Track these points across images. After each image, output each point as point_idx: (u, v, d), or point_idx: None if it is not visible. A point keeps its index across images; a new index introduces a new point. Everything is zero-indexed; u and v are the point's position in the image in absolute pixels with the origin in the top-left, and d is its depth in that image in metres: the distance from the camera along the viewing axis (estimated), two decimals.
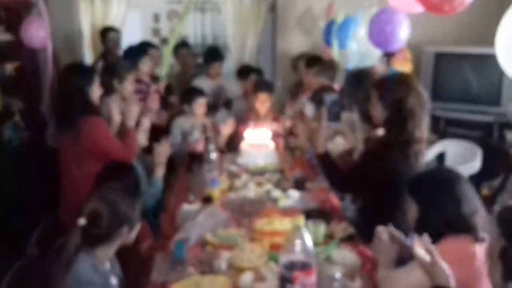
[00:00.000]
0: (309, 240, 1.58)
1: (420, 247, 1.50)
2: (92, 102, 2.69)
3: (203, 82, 4.36)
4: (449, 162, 4.41)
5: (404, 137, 2.24)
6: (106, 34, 4.73)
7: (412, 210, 1.80)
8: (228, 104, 4.42)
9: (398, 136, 2.25)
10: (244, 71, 4.44)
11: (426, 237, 1.49)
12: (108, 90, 3.00)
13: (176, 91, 4.34)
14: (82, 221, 1.73)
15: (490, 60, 4.41)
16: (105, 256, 1.85)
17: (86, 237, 1.74)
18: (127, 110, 2.82)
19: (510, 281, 1.17)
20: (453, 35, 4.73)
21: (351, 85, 3.07)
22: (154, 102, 3.00)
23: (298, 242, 1.56)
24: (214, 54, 4.59)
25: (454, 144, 4.45)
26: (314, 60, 4.04)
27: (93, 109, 2.69)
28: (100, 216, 1.76)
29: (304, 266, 1.55)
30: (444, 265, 1.43)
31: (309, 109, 3.40)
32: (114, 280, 1.88)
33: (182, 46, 4.99)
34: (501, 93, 4.44)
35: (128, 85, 3.26)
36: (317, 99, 3.29)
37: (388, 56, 3.85)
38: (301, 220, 1.60)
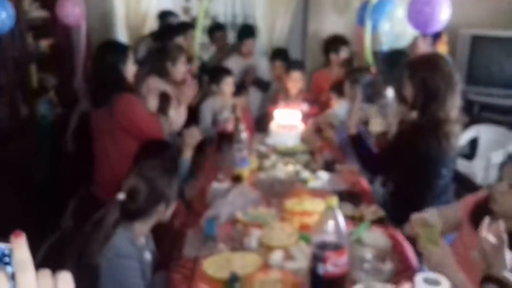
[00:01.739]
0: (342, 221, 1.58)
1: (487, 232, 1.42)
2: (127, 79, 2.73)
3: (234, 61, 4.38)
4: (482, 147, 4.33)
5: (429, 118, 2.21)
6: (165, 17, 4.73)
7: None
8: (257, 83, 4.41)
9: (422, 116, 2.23)
10: (273, 54, 4.42)
11: (501, 223, 1.41)
12: (161, 72, 3.03)
13: None
14: (121, 196, 1.78)
15: None
16: (142, 231, 1.89)
17: (125, 212, 1.79)
18: (182, 92, 2.84)
19: None
20: (489, 18, 4.58)
21: (387, 65, 3.03)
22: (190, 90, 3.02)
23: (331, 222, 1.56)
24: (247, 31, 4.57)
25: (487, 130, 4.36)
26: (339, 41, 4.00)
27: (127, 87, 2.72)
28: (138, 192, 1.81)
29: (337, 247, 1.56)
30: (508, 257, 1.37)
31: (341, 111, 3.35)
32: (148, 255, 1.93)
33: (217, 28, 5.00)
34: None
35: (181, 67, 3.25)
36: (352, 78, 3.25)
37: (434, 37, 3.74)
38: (334, 200, 1.60)
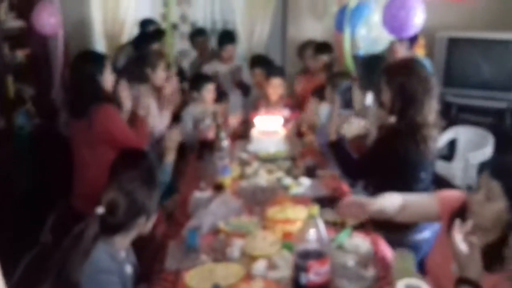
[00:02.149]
0: (323, 229, 1.59)
1: (459, 234, 1.43)
2: (104, 89, 2.70)
3: (215, 66, 4.38)
4: (461, 148, 4.39)
5: (407, 122, 2.23)
6: (145, 26, 4.70)
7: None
8: (240, 85, 4.40)
9: (400, 121, 2.25)
10: (252, 62, 4.43)
11: (469, 224, 1.43)
12: (141, 79, 3.02)
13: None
14: (100, 210, 1.75)
15: (503, 46, 4.41)
16: (122, 245, 1.86)
17: (104, 226, 1.75)
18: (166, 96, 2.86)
19: None
20: (466, 20, 4.66)
21: (366, 70, 3.06)
22: (174, 96, 3.04)
23: (312, 231, 1.56)
24: (227, 36, 4.58)
25: (465, 131, 4.42)
26: (323, 47, 4.02)
27: (105, 96, 2.69)
28: (117, 206, 1.78)
29: (319, 255, 1.56)
30: (478, 258, 1.38)
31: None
32: (129, 269, 1.90)
33: (199, 33, 4.99)
34: None
35: (160, 73, 3.26)
36: (333, 83, 3.27)
37: (411, 41, 3.79)
38: (315, 209, 1.61)
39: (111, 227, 1.79)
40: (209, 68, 4.42)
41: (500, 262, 1.38)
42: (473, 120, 4.47)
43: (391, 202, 1.92)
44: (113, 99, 2.78)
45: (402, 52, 3.60)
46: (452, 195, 1.82)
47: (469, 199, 1.62)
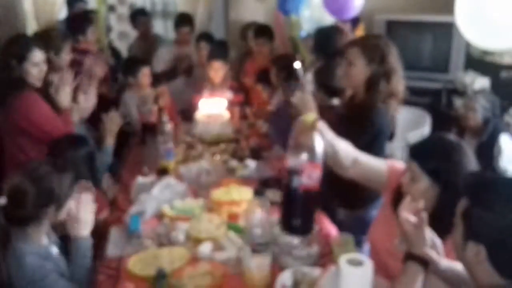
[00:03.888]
0: (319, 143, 1.62)
1: (407, 210, 1.45)
2: (28, 76, 2.55)
3: (167, 50, 4.35)
4: (399, 128, 4.51)
5: (382, 94, 2.24)
6: (73, 4, 4.47)
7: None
8: (189, 71, 4.33)
9: (373, 94, 2.25)
10: (198, 39, 4.34)
11: (420, 202, 1.44)
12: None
13: None
14: (2, 200, 1.63)
15: (439, 28, 4.57)
16: (38, 236, 1.75)
17: (9, 218, 1.64)
18: (59, 89, 2.63)
19: (469, 240, 1.20)
20: (403, 3, 4.79)
21: (320, 43, 3.04)
22: (98, 68, 2.88)
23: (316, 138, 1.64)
24: (183, 19, 4.46)
25: (405, 111, 4.54)
26: (263, 30, 4.01)
27: (29, 84, 2.54)
28: (24, 194, 1.66)
29: (312, 161, 1.60)
30: (429, 235, 1.40)
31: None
32: (55, 250, 1.82)
33: (141, 13, 4.83)
34: (449, 61, 4.57)
35: (64, 56, 3.05)
36: (279, 65, 3.25)
37: (353, 23, 3.82)
38: (311, 116, 1.68)
39: (17, 218, 1.67)
40: (161, 52, 4.35)
41: (448, 230, 1.42)
42: (413, 100, 4.60)
43: (346, 149, 1.88)
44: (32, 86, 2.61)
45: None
46: (401, 168, 1.82)
47: (401, 181, 1.68)
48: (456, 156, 1.59)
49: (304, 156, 1.62)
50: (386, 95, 2.26)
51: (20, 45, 2.59)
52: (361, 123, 2.27)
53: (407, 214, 1.44)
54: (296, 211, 1.66)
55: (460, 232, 1.22)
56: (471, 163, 1.60)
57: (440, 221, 1.46)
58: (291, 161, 1.64)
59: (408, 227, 1.42)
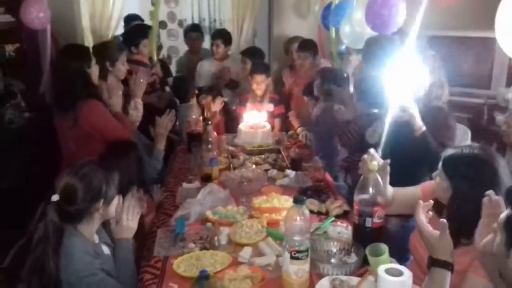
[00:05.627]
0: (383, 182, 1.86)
1: (423, 213, 1.51)
2: (92, 82, 2.74)
3: (208, 64, 4.49)
4: None
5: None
6: (130, 22, 4.76)
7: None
8: (231, 85, 4.46)
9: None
10: (243, 54, 4.48)
11: (428, 203, 1.53)
12: (101, 73, 3.01)
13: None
14: (55, 197, 1.75)
15: (481, 43, 4.50)
16: (90, 233, 1.86)
17: (62, 215, 1.75)
18: (112, 94, 2.83)
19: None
20: (445, 19, 4.75)
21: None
22: (142, 81, 3.07)
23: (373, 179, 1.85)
24: (219, 35, 4.64)
25: None
26: (307, 44, 4.09)
27: (93, 91, 2.73)
28: (74, 191, 1.76)
29: (379, 203, 1.85)
30: (449, 239, 1.44)
31: None
32: (106, 249, 1.92)
33: (193, 29, 5.06)
34: (491, 76, 4.50)
35: (120, 67, 3.21)
36: (323, 77, 3.37)
37: None
38: (374, 164, 1.85)
39: (70, 215, 1.77)
40: (203, 66, 4.53)
41: (467, 237, 1.46)
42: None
43: (388, 190, 1.96)
44: (99, 92, 2.81)
45: None
46: (432, 185, 1.88)
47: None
48: (476, 168, 1.66)
49: (371, 190, 1.84)
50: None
51: (82, 53, 2.82)
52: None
53: (423, 217, 1.51)
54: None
55: (503, 240, 1.24)
56: (501, 177, 1.63)
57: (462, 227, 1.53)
58: (360, 197, 1.86)
59: (427, 232, 1.47)
